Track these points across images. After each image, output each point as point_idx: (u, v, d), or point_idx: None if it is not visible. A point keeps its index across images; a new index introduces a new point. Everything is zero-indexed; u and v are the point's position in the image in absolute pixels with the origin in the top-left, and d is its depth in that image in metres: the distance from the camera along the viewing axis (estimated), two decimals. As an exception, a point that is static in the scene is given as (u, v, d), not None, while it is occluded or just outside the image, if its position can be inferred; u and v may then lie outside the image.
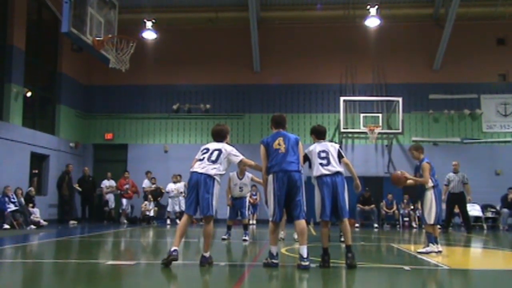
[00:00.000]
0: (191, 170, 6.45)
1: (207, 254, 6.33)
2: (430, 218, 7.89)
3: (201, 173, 6.34)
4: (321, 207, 6.37)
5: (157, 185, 17.65)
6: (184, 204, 17.19)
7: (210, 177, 6.32)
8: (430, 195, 7.93)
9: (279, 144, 6.32)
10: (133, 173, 18.17)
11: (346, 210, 6.40)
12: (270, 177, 6.28)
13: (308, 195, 6.44)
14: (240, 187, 10.40)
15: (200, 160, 6.47)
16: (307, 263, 6.01)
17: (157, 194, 17.65)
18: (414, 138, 17.99)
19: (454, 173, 13.82)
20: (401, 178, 8.02)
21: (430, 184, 7.93)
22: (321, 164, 6.43)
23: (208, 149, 6.54)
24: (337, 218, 6.43)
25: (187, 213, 6.46)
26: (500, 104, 18.37)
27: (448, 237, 12.54)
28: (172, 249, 6.18)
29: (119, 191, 17.38)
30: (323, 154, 6.49)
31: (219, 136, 6.71)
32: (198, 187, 6.31)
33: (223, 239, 10.30)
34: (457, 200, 13.86)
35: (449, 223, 14.46)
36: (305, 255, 6.02)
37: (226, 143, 6.69)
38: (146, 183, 17.68)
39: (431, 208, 7.90)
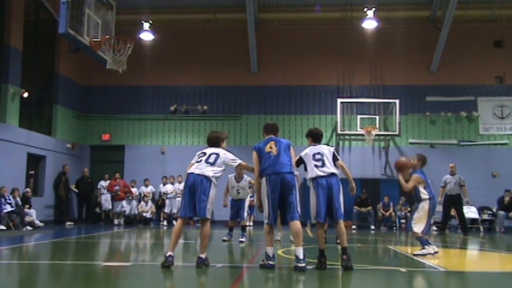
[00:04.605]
0: (188, 171, 6.45)
1: (203, 256, 6.31)
2: (420, 227, 7.87)
3: (198, 174, 6.33)
4: (316, 208, 6.38)
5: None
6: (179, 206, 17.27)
7: (208, 179, 6.32)
8: (426, 207, 7.92)
9: (270, 147, 6.39)
10: (130, 174, 18.18)
11: (341, 212, 6.40)
12: (263, 179, 6.32)
13: (305, 197, 6.45)
14: (237, 190, 10.47)
15: (198, 162, 6.49)
16: (303, 264, 6.02)
17: (156, 201, 17.72)
18: (410, 140, 18.04)
19: (451, 175, 13.84)
20: (408, 163, 8.11)
21: (426, 196, 7.94)
22: (316, 166, 6.46)
23: (205, 153, 6.59)
24: (332, 220, 6.43)
25: (182, 216, 6.44)
26: (497, 107, 18.41)
27: (444, 239, 12.56)
28: (168, 254, 6.18)
29: (109, 193, 17.32)
30: (317, 156, 6.52)
31: (214, 143, 6.75)
32: (195, 188, 6.30)
33: (224, 240, 10.34)
34: (453, 202, 13.87)
35: (445, 225, 14.48)
36: (301, 257, 6.03)
37: (223, 148, 6.73)
38: (168, 188, 17.56)
39: (422, 218, 7.90)
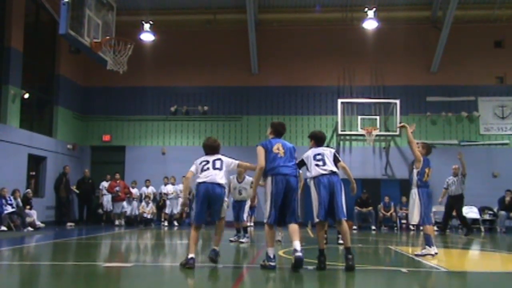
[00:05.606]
0: (198, 181, 6.49)
1: (217, 248, 6.52)
2: (413, 217, 7.99)
3: (211, 183, 6.43)
4: (318, 207, 6.39)
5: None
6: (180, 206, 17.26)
7: (220, 186, 6.49)
8: (413, 195, 8.04)
9: (278, 149, 6.43)
10: (131, 175, 18.18)
11: (343, 210, 6.38)
12: (268, 179, 6.35)
13: (307, 197, 6.46)
14: (239, 191, 10.47)
15: (205, 170, 6.53)
16: (300, 254, 6.02)
17: (157, 201, 17.79)
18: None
19: (454, 176, 13.86)
20: None
21: (415, 182, 8.02)
22: (317, 165, 6.50)
23: (207, 161, 6.63)
24: (334, 218, 6.43)
25: (198, 224, 6.56)
26: (498, 107, 18.40)
27: (445, 239, 12.55)
28: (189, 256, 6.27)
29: (110, 194, 17.33)
30: (318, 157, 6.56)
31: (215, 150, 6.79)
32: (210, 197, 6.43)
33: (231, 240, 10.43)
34: (455, 202, 13.85)
35: (446, 226, 14.47)
36: (298, 248, 6.05)
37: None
38: (169, 188, 17.61)
39: (413, 207, 7.99)
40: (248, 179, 10.44)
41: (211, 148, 6.78)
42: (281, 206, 6.33)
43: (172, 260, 8.14)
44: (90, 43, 11.08)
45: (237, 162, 6.78)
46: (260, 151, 6.43)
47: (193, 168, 6.61)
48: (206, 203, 6.46)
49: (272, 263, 6.26)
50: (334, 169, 6.48)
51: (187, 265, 6.21)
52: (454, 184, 13.73)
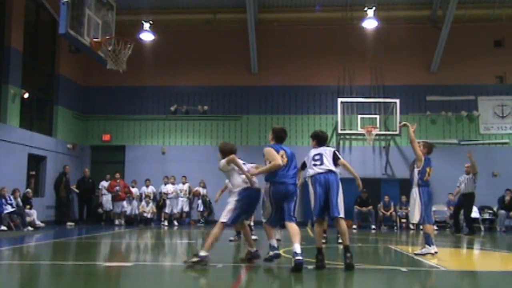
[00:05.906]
0: (244, 186, 6.60)
1: (253, 248, 6.85)
2: (413, 216, 8.01)
3: (255, 189, 6.68)
4: (314, 204, 6.42)
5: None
6: (181, 206, 17.27)
7: (260, 191, 6.80)
8: (414, 194, 8.07)
9: (282, 156, 6.48)
10: (131, 175, 18.17)
11: (339, 208, 6.36)
12: (268, 185, 6.45)
13: (306, 197, 6.49)
14: None
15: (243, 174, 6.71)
16: (300, 257, 6.03)
17: (157, 201, 17.82)
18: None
19: (467, 174, 13.90)
20: None
21: (416, 181, 8.04)
22: (314, 164, 6.56)
23: (244, 163, 6.89)
24: (329, 216, 6.44)
25: (233, 224, 6.78)
26: (497, 106, 18.40)
27: (446, 238, 12.56)
28: (203, 254, 6.39)
29: (110, 193, 17.33)
30: (317, 157, 6.61)
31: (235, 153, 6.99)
32: (253, 203, 6.72)
33: (231, 240, 10.41)
34: (465, 200, 13.84)
35: (458, 225, 14.38)
36: (298, 251, 6.06)
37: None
38: (169, 188, 17.64)
39: (414, 206, 8.02)
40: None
41: (232, 153, 6.84)
42: (280, 209, 6.43)
43: (172, 259, 8.15)
44: (90, 42, 11.07)
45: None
46: (272, 151, 6.47)
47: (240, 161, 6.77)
48: (248, 207, 6.66)
49: (277, 252, 6.48)
50: (332, 167, 6.50)
51: (202, 263, 6.29)
52: (465, 182, 13.79)
